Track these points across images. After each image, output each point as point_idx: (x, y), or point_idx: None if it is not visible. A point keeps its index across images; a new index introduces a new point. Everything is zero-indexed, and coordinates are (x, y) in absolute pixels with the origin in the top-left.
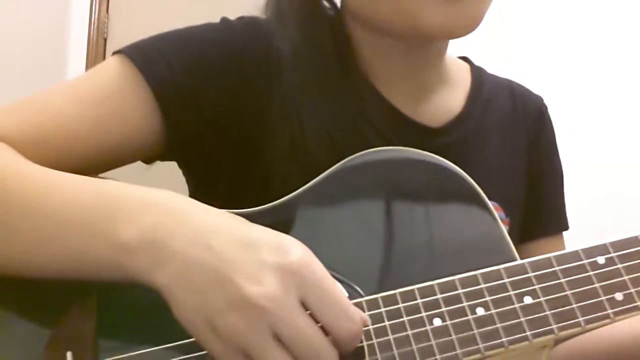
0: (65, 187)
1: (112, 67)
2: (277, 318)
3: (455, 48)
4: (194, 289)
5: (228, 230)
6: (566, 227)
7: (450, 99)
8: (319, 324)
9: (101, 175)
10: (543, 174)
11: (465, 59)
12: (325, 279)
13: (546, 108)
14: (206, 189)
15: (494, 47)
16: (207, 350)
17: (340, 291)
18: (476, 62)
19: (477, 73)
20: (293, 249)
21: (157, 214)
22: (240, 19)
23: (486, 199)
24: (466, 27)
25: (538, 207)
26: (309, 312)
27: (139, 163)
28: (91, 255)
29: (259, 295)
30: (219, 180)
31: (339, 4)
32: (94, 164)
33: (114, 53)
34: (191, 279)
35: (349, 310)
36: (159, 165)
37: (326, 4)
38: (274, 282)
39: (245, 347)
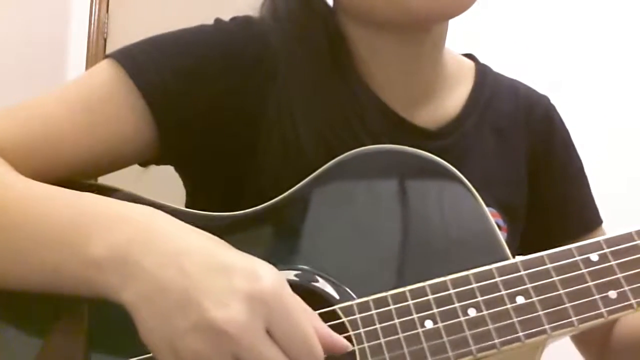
0: (43, 201)
1: (103, 72)
2: (241, 345)
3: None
4: (159, 310)
5: (202, 252)
6: (601, 220)
7: (449, 100)
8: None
9: (99, 179)
10: (567, 174)
11: (470, 56)
12: (294, 311)
13: (553, 107)
14: (202, 191)
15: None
16: None
17: (308, 325)
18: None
19: (481, 72)
20: (265, 277)
21: (131, 230)
22: (234, 19)
23: (478, 196)
24: (459, 6)
25: (570, 206)
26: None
27: (137, 166)
28: (65, 271)
29: (224, 320)
30: (215, 183)
31: (331, 3)
32: (87, 170)
33: (106, 57)
34: (157, 299)
35: (312, 347)
36: (157, 168)
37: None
38: (241, 309)
39: None
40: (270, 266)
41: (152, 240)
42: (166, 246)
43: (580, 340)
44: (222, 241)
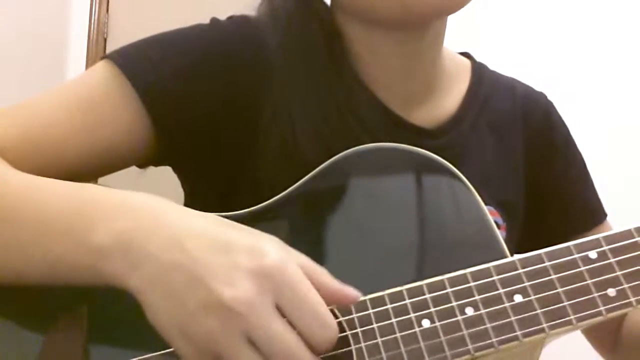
0: (44, 193)
1: (100, 73)
2: (251, 322)
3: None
4: (167, 292)
5: (204, 232)
6: (606, 214)
7: (446, 99)
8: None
9: (99, 180)
10: (569, 169)
11: (467, 55)
12: (300, 283)
13: (551, 104)
14: (201, 192)
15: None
16: (180, 356)
17: (317, 296)
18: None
19: (478, 71)
20: (269, 253)
21: (133, 217)
22: (230, 18)
23: (477, 194)
24: (457, 2)
25: (574, 202)
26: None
27: (134, 167)
28: (68, 260)
29: (232, 299)
30: (213, 183)
31: (327, 2)
32: (85, 170)
33: (102, 58)
34: (164, 282)
35: (323, 317)
36: (155, 169)
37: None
38: (248, 286)
39: (218, 352)
40: (276, 242)
41: (155, 225)
42: (169, 230)
43: (590, 335)
44: (226, 220)
